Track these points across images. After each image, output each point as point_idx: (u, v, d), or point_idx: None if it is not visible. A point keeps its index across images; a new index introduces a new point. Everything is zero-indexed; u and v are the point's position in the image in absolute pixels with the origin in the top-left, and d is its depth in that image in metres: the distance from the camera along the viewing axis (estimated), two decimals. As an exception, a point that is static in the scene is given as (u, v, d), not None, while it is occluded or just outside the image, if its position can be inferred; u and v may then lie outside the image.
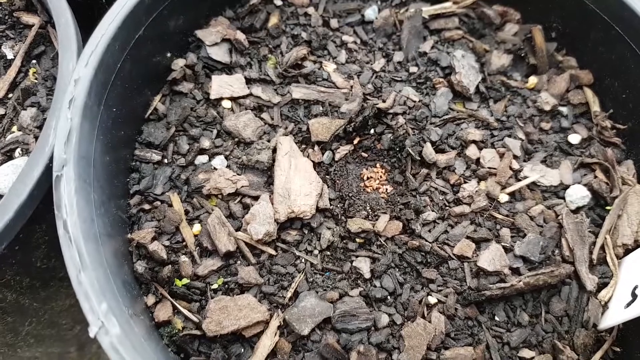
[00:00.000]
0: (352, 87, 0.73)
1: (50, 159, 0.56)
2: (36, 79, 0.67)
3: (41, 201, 0.57)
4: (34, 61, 0.69)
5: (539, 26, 0.76)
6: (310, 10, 0.79)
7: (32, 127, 0.62)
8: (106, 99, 0.59)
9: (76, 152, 0.52)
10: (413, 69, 0.75)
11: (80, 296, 0.45)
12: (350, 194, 0.68)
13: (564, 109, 0.73)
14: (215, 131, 0.69)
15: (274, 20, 0.77)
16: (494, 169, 0.67)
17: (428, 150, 0.68)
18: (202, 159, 0.68)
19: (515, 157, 0.69)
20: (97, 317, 0.44)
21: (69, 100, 0.54)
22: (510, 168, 0.68)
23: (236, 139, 0.69)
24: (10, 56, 0.69)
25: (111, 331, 0.44)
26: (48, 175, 0.56)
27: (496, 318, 0.61)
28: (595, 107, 0.74)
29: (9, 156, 0.62)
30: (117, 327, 0.44)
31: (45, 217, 0.60)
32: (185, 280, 0.58)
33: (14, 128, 0.64)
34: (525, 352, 0.59)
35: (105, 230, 0.54)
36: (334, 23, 0.78)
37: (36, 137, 0.62)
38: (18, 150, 0.62)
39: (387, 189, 0.69)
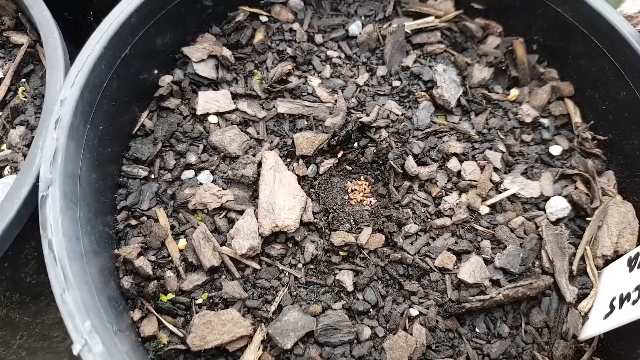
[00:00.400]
0: (336, 101, 0.74)
1: (38, 178, 0.57)
2: (25, 97, 0.69)
3: (29, 219, 0.58)
4: (23, 80, 0.71)
5: (521, 39, 0.77)
6: (295, 26, 0.80)
7: (20, 146, 0.64)
8: (92, 117, 0.61)
9: (62, 172, 0.53)
10: (396, 83, 0.77)
11: (64, 315, 0.47)
12: (334, 207, 0.69)
13: (545, 121, 0.75)
14: (201, 146, 0.71)
15: (259, 36, 0.78)
16: (475, 181, 0.69)
17: (410, 163, 0.69)
18: (188, 174, 0.69)
19: (495, 169, 0.70)
20: (80, 336, 0.46)
21: (55, 120, 0.56)
22: (491, 180, 0.69)
23: (222, 154, 0.70)
24: (1, 75, 0.71)
25: (94, 349, 0.45)
26: (35, 193, 0.58)
27: (477, 330, 0.62)
28: (577, 118, 0.76)
29: (-2, 174, 0.64)
30: (100, 345, 0.45)
31: (34, 234, 0.61)
32: (170, 295, 0.60)
33: (3, 146, 0.66)
34: (505, 363, 0.60)
35: (91, 247, 0.55)
36: (318, 38, 0.80)
37: (25, 155, 0.64)
38: (7, 168, 0.64)
39: (370, 202, 0.71)
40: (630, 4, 0.79)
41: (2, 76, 0.70)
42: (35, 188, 0.57)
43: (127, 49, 0.66)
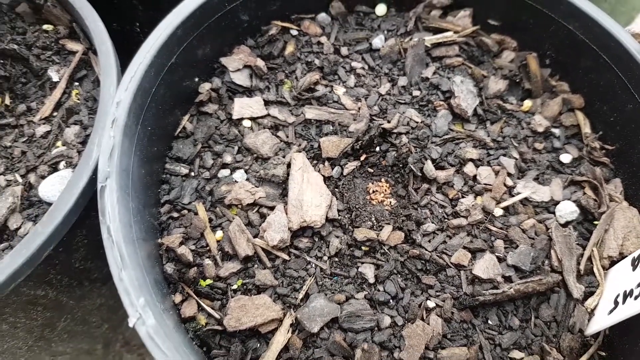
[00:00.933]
0: (359, 108, 0.81)
1: (94, 172, 0.64)
2: (78, 99, 0.76)
3: (83, 209, 0.66)
4: (76, 83, 0.78)
5: (534, 54, 0.83)
6: (323, 39, 0.87)
7: (75, 143, 0.71)
8: (142, 119, 0.68)
9: (118, 166, 0.60)
10: (416, 93, 0.83)
11: (121, 292, 0.53)
12: (356, 206, 0.75)
13: (556, 131, 0.80)
14: (236, 147, 0.77)
15: (290, 48, 0.85)
16: (490, 185, 0.74)
17: (429, 167, 0.75)
18: (224, 172, 0.76)
19: (509, 174, 0.76)
20: (135, 310, 0.52)
21: (111, 120, 0.63)
22: (505, 185, 0.75)
23: (255, 155, 0.77)
24: (55, 79, 0.78)
25: (147, 322, 0.52)
26: (91, 186, 0.65)
27: (489, 322, 0.67)
28: (586, 129, 0.81)
29: (54, 168, 0.71)
30: (152, 318, 0.52)
31: (85, 223, 0.68)
32: (208, 281, 0.66)
33: (59, 143, 0.73)
34: (516, 353, 0.65)
35: (140, 235, 0.62)
36: (344, 51, 0.87)
37: (79, 152, 0.71)
38: (62, 162, 0.71)
39: (390, 202, 0.76)
40: (639, 23, 0.85)
41: (58, 80, 0.78)
42: (91, 181, 0.64)
43: (173, 58, 0.73)
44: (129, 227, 0.59)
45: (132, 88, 0.66)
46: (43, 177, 0.70)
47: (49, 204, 0.68)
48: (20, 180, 0.70)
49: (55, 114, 0.76)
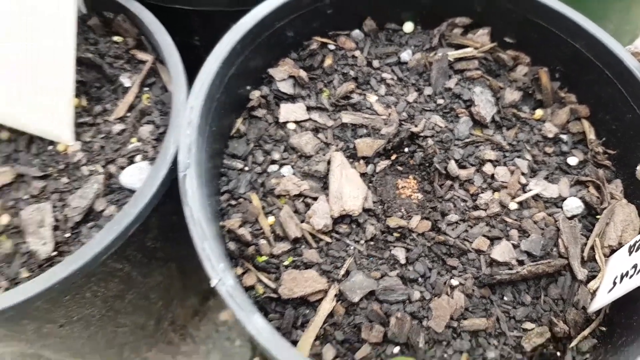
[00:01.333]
0: (390, 114, 0.93)
1: (172, 164, 0.77)
2: (149, 103, 0.89)
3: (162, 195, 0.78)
4: (146, 89, 0.91)
5: (545, 68, 0.95)
6: (357, 53, 1.00)
7: (150, 140, 0.84)
8: (210, 120, 0.80)
9: (194, 159, 0.73)
10: (440, 101, 0.95)
11: (204, 259, 0.65)
12: (388, 199, 0.87)
13: (564, 137, 0.92)
14: (282, 146, 0.90)
15: (328, 61, 0.98)
16: (506, 182, 0.86)
17: (452, 166, 0.87)
18: (273, 167, 0.88)
19: (523, 174, 0.87)
20: (217, 273, 0.64)
21: (187, 122, 0.76)
22: (519, 182, 0.86)
23: (299, 153, 0.89)
24: (127, 84, 0.91)
25: (227, 282, 0.64)
26: (168, 176, 0.78)
27: (505, 298, 0.78)
28: (591, 135, 0.93)
29: (131, 160, 0.84)
30: (231, 280, 0.64)
31: (159, 208, 0.81)
32: (264, 257, 0.78)
33: (133, 139, 0.86)
34: (527, 325, 0.76)
35: (210, 216, 0.74)
36: (375, 63, 0.99)
37: (154, 147, 0.83)
38: (139, 156, 0.83)
39: (418, 196, 0.88)
40: (638, 43, 0.97)
41: (130, 85, 0.91)
42: (169, 172, 0.77)
43: (232, 69, 0.86)
44: (204, 209, 0.71)
45: (202, 95, 0.79)
46: (122, 168, 0.82)
47: (130, 190, 0.80)
48: (101, 170, 0.83)
49: (128, 114, 0.88)
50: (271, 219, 0.83)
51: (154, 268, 0.91)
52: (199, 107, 0.77)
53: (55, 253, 0.77)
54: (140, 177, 0.80)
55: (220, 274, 0.64)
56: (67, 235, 0.78)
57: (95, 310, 0.87)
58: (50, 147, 0.88)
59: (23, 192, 0.83)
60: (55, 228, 0.78)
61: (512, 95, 0.94)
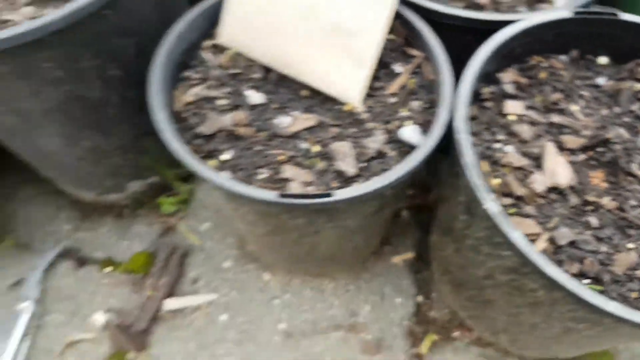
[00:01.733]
0: (587, 122, 1.25)
1: (444, 128, 1.13)
2: (414, 86, 1.26)
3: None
4: (412, 75, 1.28)
5: None
6: (563, 72, 1.32)
7: (418, 111, 1.20)
8: (467, 103, 1.16)
9: (466, 126, 1.08)
10: (626, 119, 1.26)
11: (478, 190, 1.00)
12: (581, 182, 1.19)
13: None
14: (505, 131, 1.24)
15: (542, 74, 1.31)
16: (679, 184, 1.16)
17: (634, 166, 1.18)
18: (497, 145, 1.22)
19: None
20: (487, 200, 0.99)
21: (461, 100, 1.11)
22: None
23: (518, 138, 1.22)
24: (398, 71, 1.28)
25: (494, 207, 0.98)
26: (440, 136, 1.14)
27: (670, 264, 1.08)
28: None
29: (402, 124, 1.21)
30: (497, 207, 0.98)
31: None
32: (499, 204, 1.12)
33: (404, 110, 1.23)
34: (686, 285, 1.06)
35: (471, 167, 1.09)
36: (577, 82, 1.31)
37: (422, 116, 1.20)
38: (410, 121, 1.20)
39: (604, 185, 1.19)
40: None
41: (401, 72, 1.28)
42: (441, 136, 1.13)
43: (477, 69, 1.21)
44: (473, 160, 1.06)
45: (467, 85, 1.15)
46: (398, 127, 1.19)
47: (406, 143, 1.17)
48: (382, 127, 1.20)
49: (400, 92, 1.26)
50: (497, 180, 1.17)
51: (390, 204, 1.27)
52: (466, 92, 1.13)
53: (357, 174, 1.14)
54: (415, 135, 1.17)
55: (490, 202, 0.99)
56: (364, 165, 1.15)
57: (352, 222, 1.24)
58: (337, 106, 1.26)
59: (325, 133, 1.22)
60: (356, 158, 1.16)
61: (690, 118, 1.24)
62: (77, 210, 1.78)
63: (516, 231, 0.97)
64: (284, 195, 0.95)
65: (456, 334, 1.50)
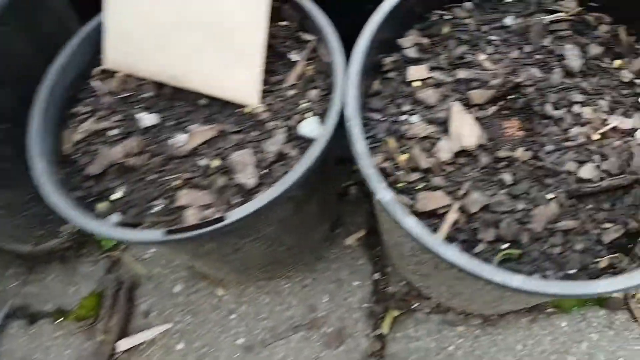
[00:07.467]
0: (497, 69, 1.41)
1: (338, 118, 1.30)
2: (313, 72, 1.43)
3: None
4: (309, 62, 1.45)
5: (624, 26, 1.39)
6: (468, 20, 1.48)
7: (316, 100, 1.38)
8: (359, 83, 1.33)
9: (356, 113, 1.26)
10: (537, 57, 1.41)
11: (371, 180, 1.19)
12: (495, 137, 1.36)
13: (638, 81, 1.36)
14: (410, 100, 1.41)
15: (446, 29, 1.47)
16: (590, 119, 1.32)
17: (548, 108, 1.34)
18: (403, 117, 1.39)
19: (604, 111, 1.33)
20: (380, 190, 1.18)
21: (350, 84, 1.29)
22: (600, 119, 1.32)
23: (424, 105, 1.39)
24: (295, 59, 1.46)
25: (387, 197, 1.17)
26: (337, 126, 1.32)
27: (589, 206, 1.26)
28: (664, 79, 1.36)
29: (303, 117, 1.39)
30: (389, 196, 1.17)
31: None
32: (403, 184, 1.30)
33: (303, 101, 1.41)
34: (606, 225, 1.24)
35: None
36: (484, 28, 1.47)
37: (320, 105, 1.38)
38: (310, 113, 1.38)
39: (520, 134, 1.36)
40: None
41: (297, 60, 1.46)
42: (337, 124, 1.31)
43: (372, 43, 1.38)
44: (363, 147, 1.24)
45: (357, 65, 1.32)
46: (299, 122, 1.38)
47: (307, 139, 1.35)
48: (282, 125, 1.39)
49: (297, 82, 1.43)
50: (405, 155, 1.35)
51: (310, 196, 1.47)
52: (355, 72, 1.31)
53: (259, 184, 1.33)
54: (314, 128, 1.35)
55: (382, 191, 1.18)
56: (265, 172, 1.35)
57: (271, 229, 1.44)
58: (237, 110, 1.44)
59: (225, 142, 1.41)
60: (256, 166, 1.35)
61: (595, 49, 1.39)
62: (23, 264, 2.01)
63: (409, 218, 1.15)
64: (170, 232, 1.12)
65: (416, 304, 1.71)
